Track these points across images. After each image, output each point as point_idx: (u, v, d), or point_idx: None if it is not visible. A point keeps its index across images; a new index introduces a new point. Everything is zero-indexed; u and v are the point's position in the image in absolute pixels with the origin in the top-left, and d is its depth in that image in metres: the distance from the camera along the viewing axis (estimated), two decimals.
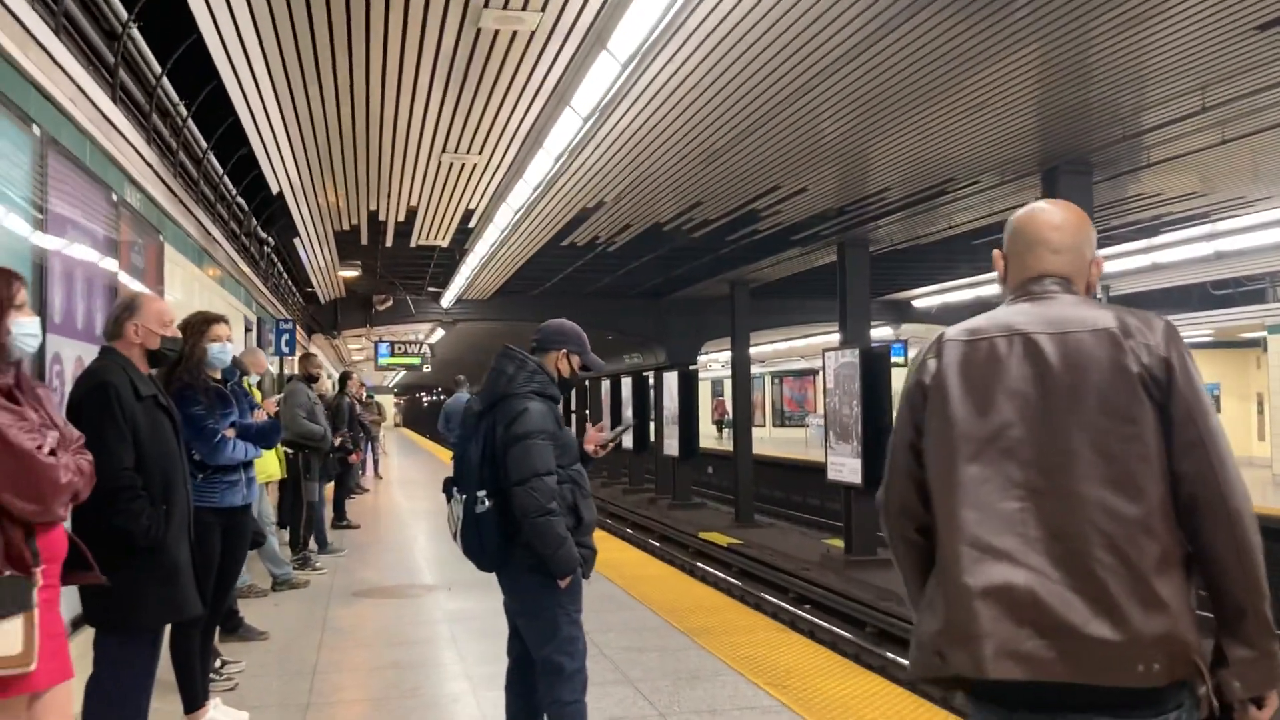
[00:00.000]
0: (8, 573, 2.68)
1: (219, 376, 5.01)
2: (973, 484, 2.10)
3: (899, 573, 2.32)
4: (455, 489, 3.87)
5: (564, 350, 4.04)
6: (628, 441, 21.28)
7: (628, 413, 21.84)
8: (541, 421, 3.76)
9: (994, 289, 19.72)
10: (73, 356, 4.95)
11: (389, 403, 59.68)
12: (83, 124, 5.14)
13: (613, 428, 4.32)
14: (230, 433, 4.93)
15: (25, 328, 2.91)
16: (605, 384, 26.91)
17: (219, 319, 4.94)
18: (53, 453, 2.82)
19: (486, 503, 3.73)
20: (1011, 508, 2.05)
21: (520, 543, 3.75)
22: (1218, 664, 1.99)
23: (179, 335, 4.25)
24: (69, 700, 3.01)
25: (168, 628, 4.28)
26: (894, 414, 2.38)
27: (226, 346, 4.92)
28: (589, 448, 4.12)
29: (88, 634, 3.85)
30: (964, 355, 2.19)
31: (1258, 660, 1.97)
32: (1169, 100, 8.63)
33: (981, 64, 7.74)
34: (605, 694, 5.34)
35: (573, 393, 29.13)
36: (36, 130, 4.39)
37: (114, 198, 5.79)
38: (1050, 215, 2.29)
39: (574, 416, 31.42)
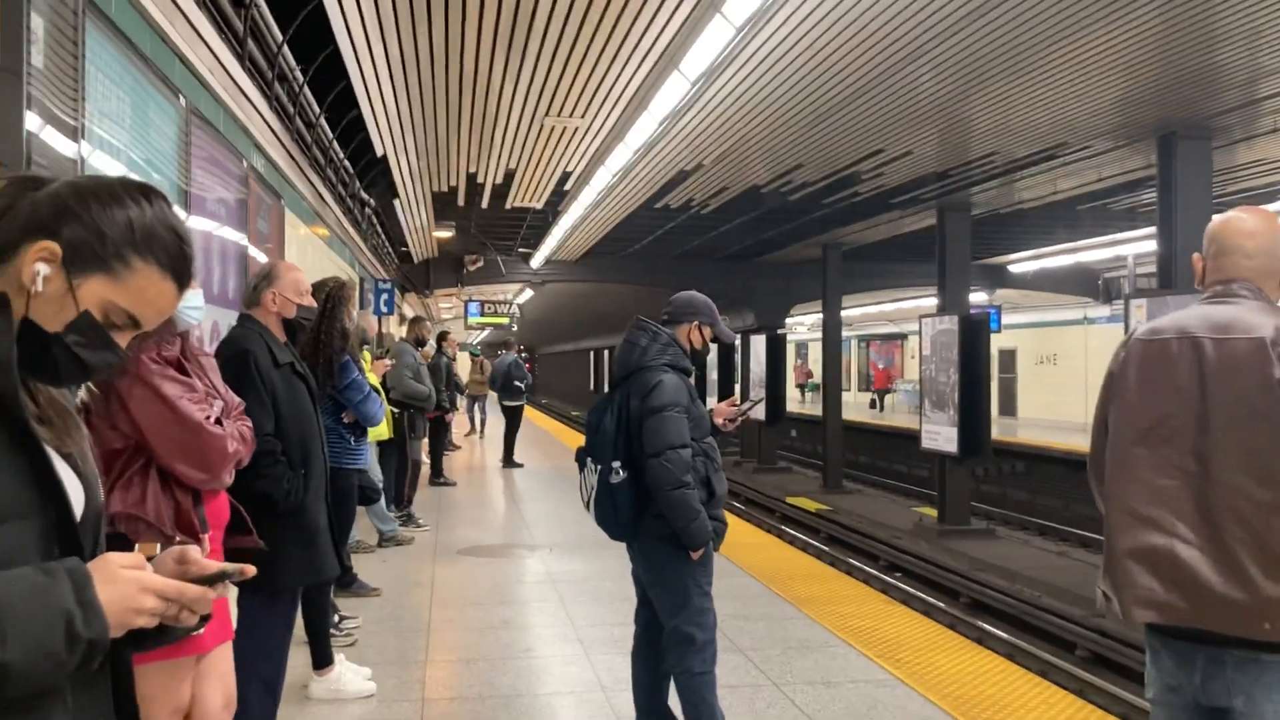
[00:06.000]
0: (179, 539, 2.77)
1: None
2: (1136, 462, 2.47)
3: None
4: (590, 459, 3.90)
5: (696, 322, 4.04)
6: (760, 414, 21.08)
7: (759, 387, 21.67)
8: (675, 394, 3.77)
9: (1093, 255, 19.37)
10: (208, 321, 5.08)
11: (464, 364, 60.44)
12: (219, 93, 5.24)
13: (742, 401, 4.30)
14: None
15: (191, 300, 2.99)
16: None
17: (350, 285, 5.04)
18: (219, 421, 2.91)
19: (621, 474, 3.76)
20: (1167, 484, 2.41)
21: (653, 514, 3.79)
22: None
23: (314, 304, 4.33)
24: (230, 660, 3.12)
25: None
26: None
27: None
28: (719, 421, 4.13)
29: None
30: (1144, 352, 2.53)
31: None
32: None
33: (1099, 25, 7.48)
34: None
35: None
36: (182, 101, 4.49)
37: (244, 164, 5.91)
38: (1244, 223, 2.54)
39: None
